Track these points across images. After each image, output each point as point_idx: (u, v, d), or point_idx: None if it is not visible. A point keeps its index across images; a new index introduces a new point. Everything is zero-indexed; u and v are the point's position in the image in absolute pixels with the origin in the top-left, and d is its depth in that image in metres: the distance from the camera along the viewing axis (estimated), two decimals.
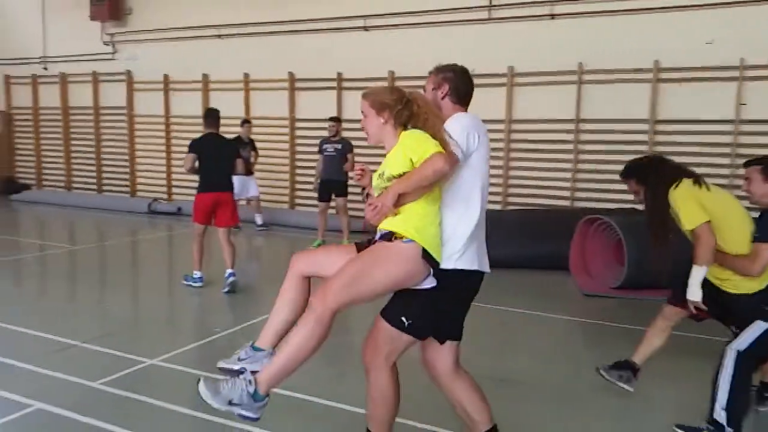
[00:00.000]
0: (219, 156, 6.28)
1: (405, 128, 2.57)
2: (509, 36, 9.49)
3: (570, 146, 9.30)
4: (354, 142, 8.84)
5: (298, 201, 11.51)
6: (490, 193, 10.23)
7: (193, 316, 5.87)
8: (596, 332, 5.44)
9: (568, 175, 9.34)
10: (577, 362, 4.58)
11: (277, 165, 11.41)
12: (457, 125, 2.56)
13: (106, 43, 13.03)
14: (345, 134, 9.16)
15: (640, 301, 6.13)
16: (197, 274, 6.37)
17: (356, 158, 8.68)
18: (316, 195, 9.00)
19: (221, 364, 2.65)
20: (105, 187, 13.69)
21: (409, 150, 2.43)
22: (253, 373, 2.41)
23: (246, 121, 10.21)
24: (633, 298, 6.23)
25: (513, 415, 3.57)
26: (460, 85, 2.73)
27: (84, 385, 3.77)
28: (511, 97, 9.56)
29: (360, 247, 2.60)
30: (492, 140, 10.02)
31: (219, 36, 11.70)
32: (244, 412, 2.35)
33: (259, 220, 10.29)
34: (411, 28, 10.11)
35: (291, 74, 11.14)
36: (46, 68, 13.99)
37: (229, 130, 10.97)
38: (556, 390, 3.97)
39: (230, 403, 2.33)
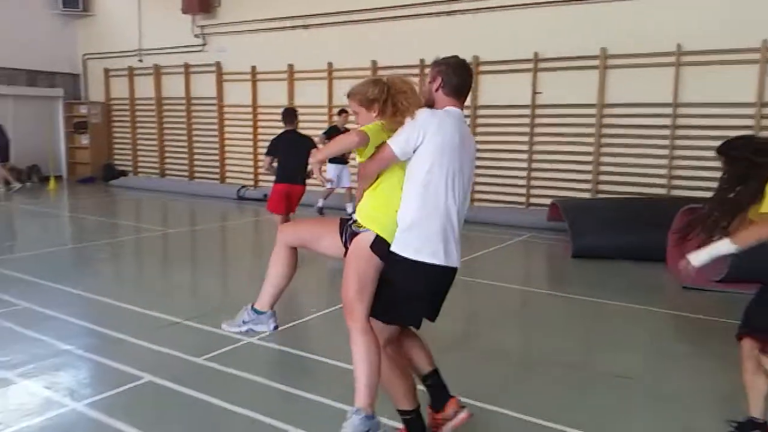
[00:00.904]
0: (295, 152, 6.70)
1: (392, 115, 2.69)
2: (603, 17, 9.10)
3: (666, 131, 8.84)
4: None
5: None
6: (579, 180, 9.87)
7: (287, 297, 5.96)
8: (696, 327, 5.16)
9: (665, 161, 8.88)
10: (676, 358, 4.36)
11: None
12: (406, 125, 2.63)
13: (196, 36, 13.56)
14: None
15: (744, 294, 5.75)
16: None
17: None
18: None
19: (225, 327, 3.09)
20: (196, 174, 14.30)
21: None
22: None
23: (343, 111, 10.16)
24: (736, 291, 5.84)
25: (620, 412, 3.46)
26: (453, 78, 2.75)
27: (188, 360, 3.95)
28: (603, 80, 9.18)
29: (343, 222, 2.79)
30: (582, 125, 9.76)
31: (304, 26, 11.90)
32: None
33: (349, 208, 10.35)
34: (495, 11, 9.89)
35: (374, 62, 11.18)
36: (141, 60, 14.73)
37: (313, 119, 11.23)
38: (655, 387, 3.78)
39: None
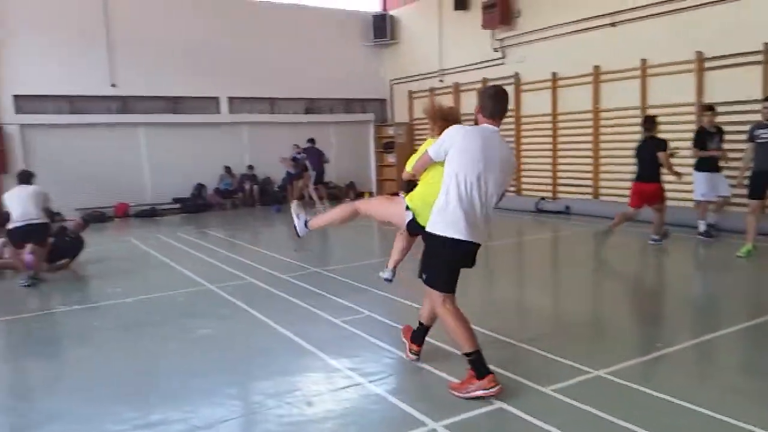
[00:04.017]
0: (643, 153, 7.94)
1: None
2: None
3: None
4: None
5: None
6: None
7: (624, 324, 5.30)
8: None
9: None
10: None
11: (684, 158, 10.08)
12: (440, 137, 3.67)
13: (495, 49, 13.59)
14: None
15: None
16: (656, 236, 8.20)
17: None
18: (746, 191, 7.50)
19: (294, 206, 4.75)
20: None
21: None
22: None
23: (708, 108, 8.62)
24: None
25: None
26: (487, 104, 3.63)
27: (535, 389, 3.62)
28: None
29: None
30: None
31: (612, 24, 10.99)
32: None
33: (701, 226, 8.62)
34: None
35: (699, 53, 9.73)
36: (442, 81, 15.39)
37: (627, 122, 10.29)
38: None
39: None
